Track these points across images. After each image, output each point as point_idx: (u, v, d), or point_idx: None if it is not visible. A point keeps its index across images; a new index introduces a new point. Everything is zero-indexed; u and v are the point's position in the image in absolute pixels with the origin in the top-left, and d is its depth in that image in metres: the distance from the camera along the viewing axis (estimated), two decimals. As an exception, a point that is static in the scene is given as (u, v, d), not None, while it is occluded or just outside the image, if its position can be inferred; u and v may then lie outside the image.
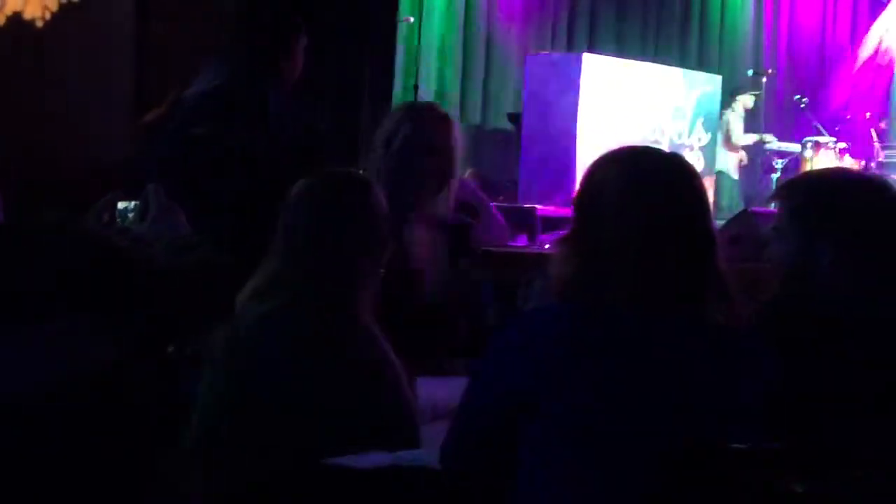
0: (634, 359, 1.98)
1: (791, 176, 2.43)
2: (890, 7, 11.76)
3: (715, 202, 9.67)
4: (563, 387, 1.95)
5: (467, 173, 8.70)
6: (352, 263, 2.62)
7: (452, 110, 9.97)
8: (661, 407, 1.97)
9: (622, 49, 10.72)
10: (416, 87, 7.03)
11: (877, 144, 10.59)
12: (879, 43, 11.81)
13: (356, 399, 2.51)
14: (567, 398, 1.95)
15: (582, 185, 2.12)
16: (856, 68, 11.92)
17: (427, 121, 3.63)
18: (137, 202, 2.63)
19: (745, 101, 10.30)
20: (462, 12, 10.04)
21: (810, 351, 2.14)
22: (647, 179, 2.05)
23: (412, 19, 7.56)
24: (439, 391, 2.89)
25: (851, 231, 2.25)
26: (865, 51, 11.89)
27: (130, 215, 2.62)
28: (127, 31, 5.97)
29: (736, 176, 10.43)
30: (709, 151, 9.39)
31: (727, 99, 9.81)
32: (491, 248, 6.28)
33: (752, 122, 10.48)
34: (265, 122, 4.01)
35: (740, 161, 10.45)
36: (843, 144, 9.86)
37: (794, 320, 2.20)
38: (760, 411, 2.04)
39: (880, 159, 10.50)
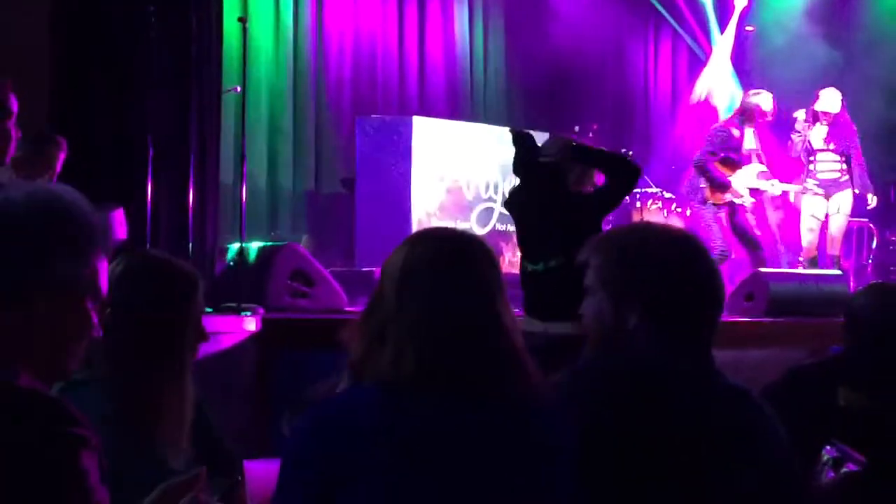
0: (432, 442, 1.95)
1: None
2: (710, 64, 12.19)
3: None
4: (362, 478, 1.91)
5: (302, 241, 8.67)
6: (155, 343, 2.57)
7: (285, 178, 9.92)
8: (464, 490, 1.95)
9: (453, 110, 10.85)
10: (243, 158, 6.94)
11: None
12: (708, 97, 12.23)
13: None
14: (367, 488, 1.91)
15: (382, 267, 2.11)
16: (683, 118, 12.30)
17: None
18: None
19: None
20: (291, 79, 10.03)
21: (622, 412, 2.14)
22: (436, 261, 2.05)
23: (239, 89, 7.48)
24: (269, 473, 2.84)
25: (655, 291, 2.20)
26: (692, 102, 12.29)
27: None
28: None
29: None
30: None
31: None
32: (329, 316, 6.28)
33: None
34: None
35: None
36: (669, 194, 10.13)
37: (607, 381, 2.19)
38: (567, 480, 2.03)
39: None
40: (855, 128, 8.97)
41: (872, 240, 10.67)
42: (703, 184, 8.61)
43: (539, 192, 5.26)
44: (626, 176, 5.27)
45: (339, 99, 10.39)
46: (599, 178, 5.45)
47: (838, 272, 8.46)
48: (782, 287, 7.76)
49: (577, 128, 10.13)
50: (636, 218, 9.93)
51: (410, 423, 1.95)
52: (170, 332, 2.59)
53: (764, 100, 8.71)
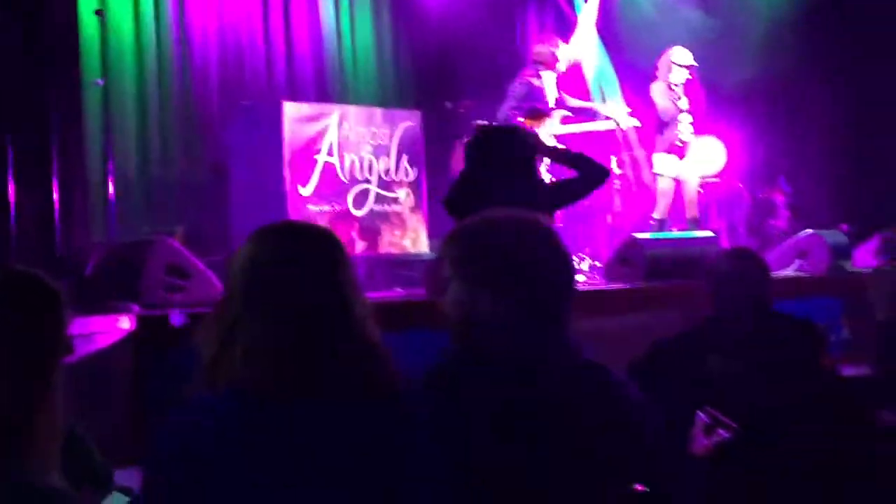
0: (288, 449, 1.90)
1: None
2: (576, 32, 12.24)
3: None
4: (222, 487, 1.86)
5: (175, 233, 8.52)
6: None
7: (156, 170, 9.73)
8: (326, 495, 1.91)
9: (323, 93, 10.76)
10: (109, 151, 6.80)
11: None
12: (577, 64, 12.27)
13: None
14: (227, 498, 1.86)
15: (228, 265, 2.06)
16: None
17: None
18: None
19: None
20: (155, 70, 9.79)
21: (489, 396, 2.15)
22: (273, 255, 2.00)
23: (102, 82, 7.31)
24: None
25: (503, 278, 2.25)
26: (562, 71, 12.33)
27: None
28: None
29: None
30: (417, 187, 9.52)
31: None
32: (206, 310, 6.18)
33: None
34: None
35: None
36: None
37: (467, 368, 2.22)
38: (436, 471, 2.02)
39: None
40: (704, 92, 9.13)
41: (743, 201, 10.90)
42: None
43: (510, 183, 5.35)
44: (596, 176, 5.75)
45: (206, 87, 10.21)
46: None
47: (710, 234, 8.62)
48: (658, 251, 7.87)
49: (448, 104, 10.13)
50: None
51: (264, 430, 1.90)
52: (34, 351, 2.51)
53: (556, 47, 8.80)
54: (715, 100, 10.71)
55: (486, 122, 8.04)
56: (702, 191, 10.55)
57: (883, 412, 3.70)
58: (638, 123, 9.42)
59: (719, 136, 10.83)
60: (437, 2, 11.27)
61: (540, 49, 8.86)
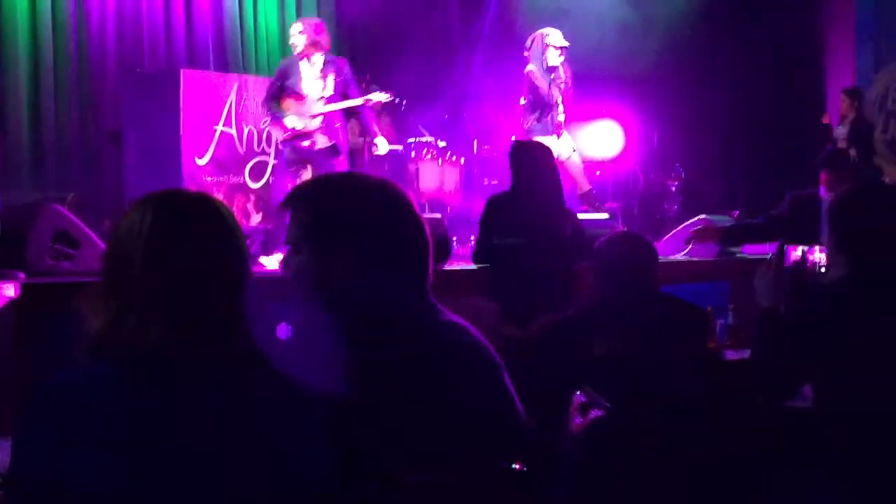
0: (177, 417, 1.88)
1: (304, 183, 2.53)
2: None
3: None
4: (98, 459, 1.82)
5: (67, 199, 8.36)
6: None
7: (49, 134, 9.49)
8: (213, 463, 1.90)
9: (222, 62, 10.62)
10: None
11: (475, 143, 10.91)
12: None
13: None
14: (105, 471, 1.83)
15: (110, 231, 2.03)
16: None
17: None
18: None
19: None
20: (49, 33, 9.54)
21: (359, 354, 2.17)
22: (173, 223, 1.97)
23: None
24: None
25: (358, 240, 2.28)
26: None
27: None
28: None
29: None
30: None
31: None
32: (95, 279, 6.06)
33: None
34: None
35: None
36: (443, 143, 10.18)
37: (343, 328, 2.23)
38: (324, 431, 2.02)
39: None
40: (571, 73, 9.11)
41: (638, 185, 11.05)
42: (268, 124, 8.45)
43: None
44: None
45: (103, 52, 9.97)
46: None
47: (606, 216, 8.71)
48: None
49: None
50: (412, 168, 9.95)
51: (152, 399, 1.88)
52: None
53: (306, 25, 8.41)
54: (617, 85, 10.83)
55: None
56: (598, 173, 10.66)
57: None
58: (387, 97, 9.06)
59: (618, 121, 10.94)
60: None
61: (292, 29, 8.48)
